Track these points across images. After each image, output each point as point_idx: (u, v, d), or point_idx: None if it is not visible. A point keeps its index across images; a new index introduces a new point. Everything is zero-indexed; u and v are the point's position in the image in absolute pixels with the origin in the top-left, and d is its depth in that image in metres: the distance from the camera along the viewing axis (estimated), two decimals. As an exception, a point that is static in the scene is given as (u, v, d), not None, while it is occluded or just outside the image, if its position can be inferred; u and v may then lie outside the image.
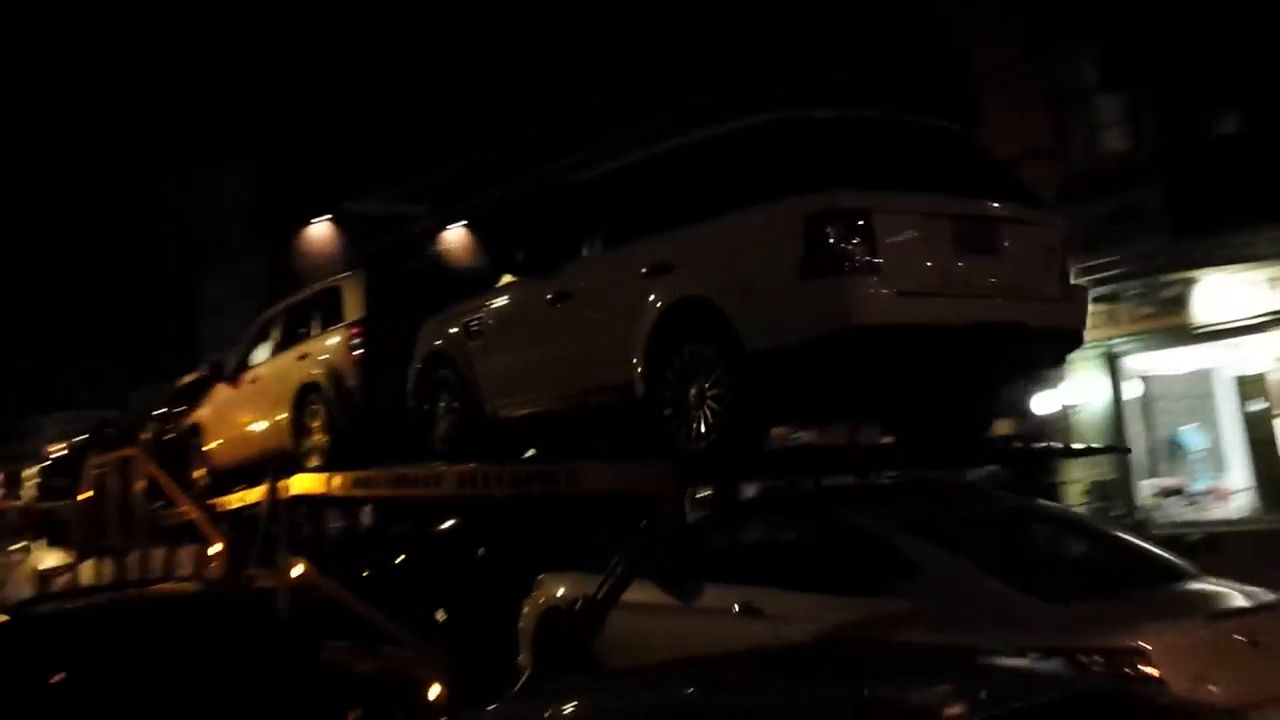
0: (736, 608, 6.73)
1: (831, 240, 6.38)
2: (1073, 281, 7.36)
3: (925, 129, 7.40)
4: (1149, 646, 5.22)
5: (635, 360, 7.29)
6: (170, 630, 6.03)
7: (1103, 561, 6.70)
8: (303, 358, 11.18)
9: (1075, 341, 7.36)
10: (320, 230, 31.30)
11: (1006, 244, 6.97)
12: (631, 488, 7.01)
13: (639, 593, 6.95)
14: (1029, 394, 8.37)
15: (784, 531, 7.47)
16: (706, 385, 6.92)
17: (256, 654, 5.83)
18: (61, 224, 39.89)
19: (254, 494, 11.25)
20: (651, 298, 7.21)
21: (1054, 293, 7.15)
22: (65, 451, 21.02)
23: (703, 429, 6.91)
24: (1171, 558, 6.66)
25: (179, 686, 5.52)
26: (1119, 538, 7.08)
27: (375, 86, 33.26)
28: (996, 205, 7.02)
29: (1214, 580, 6.36)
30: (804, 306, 6.46)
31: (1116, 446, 14.38)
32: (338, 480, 10.10)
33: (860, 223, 6.39)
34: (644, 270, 7.33)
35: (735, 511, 7.78)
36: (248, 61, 36.40)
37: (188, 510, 12.15)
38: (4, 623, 6.15)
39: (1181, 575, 6.43)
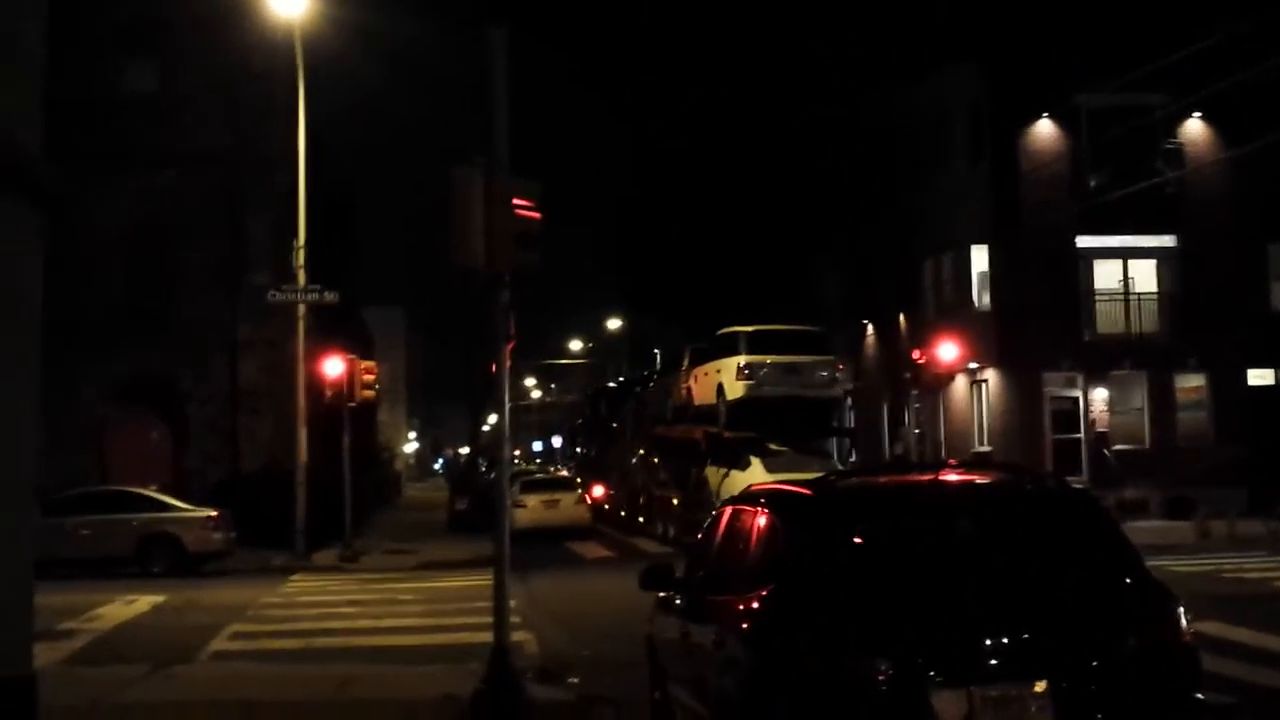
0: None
1: (741, 369, 22.56)
2: (836, 377, 22.66)
3: (796, 331, 23.18)
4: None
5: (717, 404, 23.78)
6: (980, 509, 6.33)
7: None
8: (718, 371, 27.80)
9: (836, 404, 22.71)
10: (1044, 130, 29.52)
11: (802, 370, 22.55)
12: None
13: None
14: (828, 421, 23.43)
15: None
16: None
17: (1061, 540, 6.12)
18: (797, 130, 39.47)
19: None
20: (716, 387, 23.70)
21: (824, 384, 22.56)
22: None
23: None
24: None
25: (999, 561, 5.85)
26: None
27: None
28: (802, 358, 22.64)
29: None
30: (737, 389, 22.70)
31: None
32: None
33: (748, 364, 22.48)
34: (716, 371, 23.80)
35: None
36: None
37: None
38: (811, 496, 6.51)
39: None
